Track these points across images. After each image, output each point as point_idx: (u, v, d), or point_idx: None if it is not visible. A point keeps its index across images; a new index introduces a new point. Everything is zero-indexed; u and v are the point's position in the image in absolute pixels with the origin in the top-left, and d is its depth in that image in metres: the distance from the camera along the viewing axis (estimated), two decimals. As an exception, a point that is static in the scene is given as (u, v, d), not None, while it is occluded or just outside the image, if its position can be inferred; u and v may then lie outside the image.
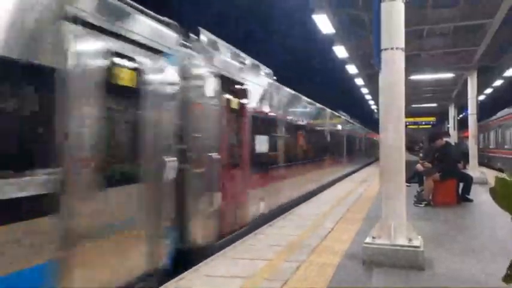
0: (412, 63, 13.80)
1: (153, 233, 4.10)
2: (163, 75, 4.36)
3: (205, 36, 5.77)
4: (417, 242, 4.43)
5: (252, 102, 7.19)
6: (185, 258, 4.68)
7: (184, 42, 5.17)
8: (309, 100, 12.68)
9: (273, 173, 8.58)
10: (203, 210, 5.12)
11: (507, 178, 1.86)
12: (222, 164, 5.67)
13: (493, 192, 1.87)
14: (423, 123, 37.27)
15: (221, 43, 6.32)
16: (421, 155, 13.77)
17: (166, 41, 4.49)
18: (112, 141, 3.72)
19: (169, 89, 4.48)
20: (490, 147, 24.10)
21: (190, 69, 5.06)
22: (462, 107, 24.25)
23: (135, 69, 3.95)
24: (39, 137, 2.91)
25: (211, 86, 5.41)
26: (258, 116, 7.56)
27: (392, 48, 4.55)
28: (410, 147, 21.24)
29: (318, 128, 14.32)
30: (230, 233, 6.01)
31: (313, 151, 12.94)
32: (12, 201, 2.56)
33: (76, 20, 3.13)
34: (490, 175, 13.28)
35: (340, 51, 12.87)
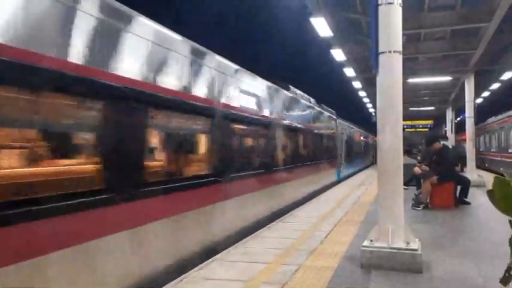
0: (410, 67, 13.85)
1: None
2: None
3: None
4: (415, 245, 4.43)
5: None
6: None
7: None
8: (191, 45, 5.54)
9: None
10: None
11: (505, 179, 1.87)
12: None
13: (491, 194, 1.87)
14: (420, 126, 37.38)
15: None
16: (418, 157, 13.80)
17: None
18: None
19: None
20: (480, 150, 26.05)
21: None
22: (459, 110, 24.41)
23: None
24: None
25: None
26: None
27: (389, 52, 4.57)
28: (408, 151, 21.34)
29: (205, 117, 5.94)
30: None
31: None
32: None
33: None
34: (488, 178, 13.32)
35: (338, 55, 12.91)
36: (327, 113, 16.09)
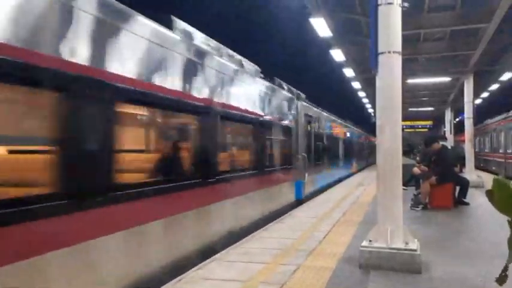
0: (409, 67, 13.86)
1: None
2: None
3: None
4: (414, 245, 4.43)
5: None
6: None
7: None
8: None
9: None
10: None
11: (504, 179, 1.87)
12: None
13: (490, 194, 1.87)
14: (419, 126, 37.45)
15: None
16: (417, 158, 13.80)
17: None
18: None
19: None
20: (476, 150, 27.50)
21: None
22: (459, 111, 24.52)
23: None
24: None
25: None
26: None
27: (389, 52, 4.57)
28: (407, 151, 21.32)
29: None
30: None
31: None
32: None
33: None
34: (486, 178, 13.33)
35: (337, 55, 12.92)
36: (280, 92, 10.02)
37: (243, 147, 8.16)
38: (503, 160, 19.95)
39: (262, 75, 9.03)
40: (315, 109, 13.83)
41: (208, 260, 4.84)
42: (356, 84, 19.22)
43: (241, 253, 5.20)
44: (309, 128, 12.36)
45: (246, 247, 5.51)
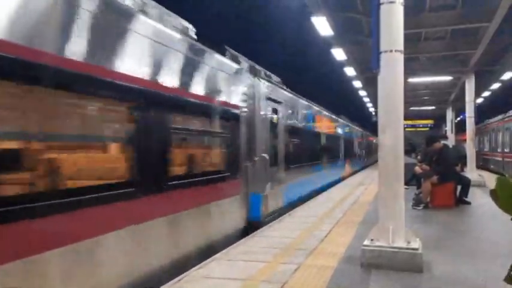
0: (410, 66, 13.84)
1: None
2: None
3: None
4: (415, 244, 4.42)
5: None
6: None
7: None
8: None
9: None
10: None
11: (507, 179, 1.86)
12: None
13: (494, 193, 1.86)
14: (421, 125, 37.46)
15: None
16: (419, 157, 13.79)
17: None
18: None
19: None
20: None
21: None
22: (460, 110, 24.54)
23: None
24: None
25: None
26: None
27: (391, 51, 4.55)
28: (408, 151, 21.24)
29: None
30: None
31: None
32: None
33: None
34: (488, 178, 13.32)
35: (338, 54, 12.90)
36: (220, 62, 6.55)
37: (107, 144, 4.45)
38: (501, 159, 20.82)
39: (195, 37, 5.83)
40: (289, 94, 10.20)
41: (208, 260, 4.84)
42: (357, 83, 19.18)
43: (241, 252, 5.19)
44: (275, 118, 8.90)
45: (247, 246, 5.51)
